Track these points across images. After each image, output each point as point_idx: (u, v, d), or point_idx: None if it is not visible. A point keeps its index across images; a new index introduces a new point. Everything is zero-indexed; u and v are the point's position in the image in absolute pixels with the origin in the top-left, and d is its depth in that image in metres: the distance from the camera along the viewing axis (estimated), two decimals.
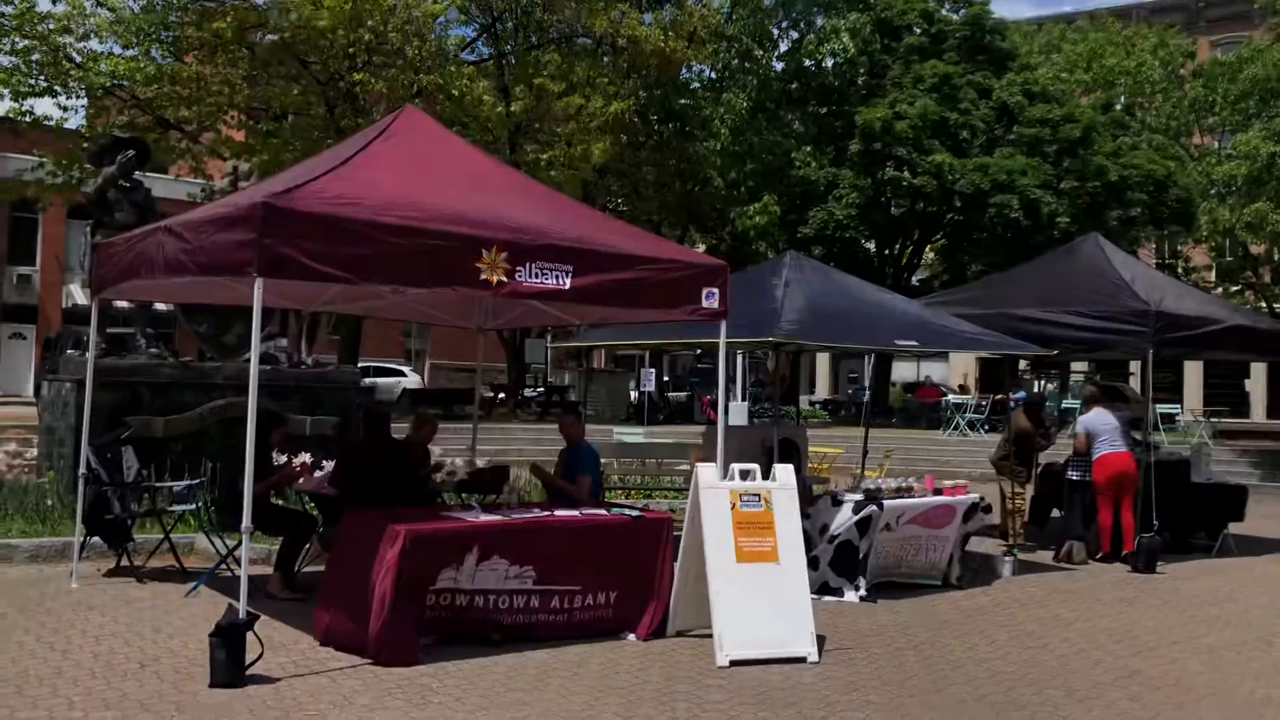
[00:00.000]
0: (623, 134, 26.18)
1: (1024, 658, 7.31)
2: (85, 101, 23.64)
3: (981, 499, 10.18)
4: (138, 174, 12.72)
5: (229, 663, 5.93)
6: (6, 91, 21.57)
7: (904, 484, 9.66)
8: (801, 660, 6.90)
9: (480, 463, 11.32)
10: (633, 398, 31.16)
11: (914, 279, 34.68)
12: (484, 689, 6.07)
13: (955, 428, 26.10)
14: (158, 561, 9.35)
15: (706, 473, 7.50)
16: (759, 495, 7.56)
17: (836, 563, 9.10)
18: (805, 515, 9.26)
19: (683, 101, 28.97)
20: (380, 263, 6.60)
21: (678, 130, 29.23)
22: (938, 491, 9.93)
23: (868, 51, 31.27)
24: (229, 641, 5.94)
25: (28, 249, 37.92)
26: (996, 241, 30.09)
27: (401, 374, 42.47)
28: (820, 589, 8.93)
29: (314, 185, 6.88)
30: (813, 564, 8.79)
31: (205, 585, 8.47)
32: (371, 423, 8.59)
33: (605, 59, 26.95)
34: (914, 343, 9.92)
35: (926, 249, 35.92)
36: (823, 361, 59.76)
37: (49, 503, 10.34)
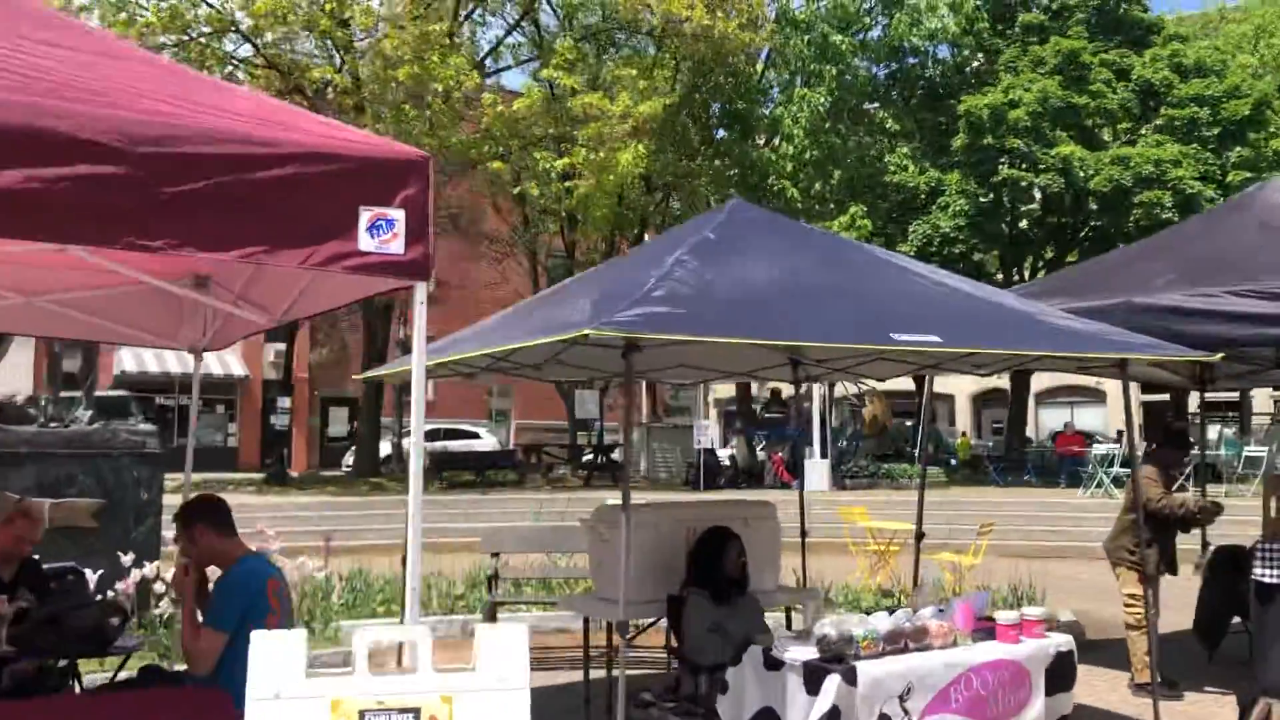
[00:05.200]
0: (668, 138, 21.69)
1: None
2: None
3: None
4: None
5: None
6: None
7: (912, 620, 4.76)
8: None
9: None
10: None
11: None
12: None
13: (1099, 485, 20.37)
14: None
15: (263, 661, 2.87)
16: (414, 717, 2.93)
17: None
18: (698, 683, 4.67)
19: (741, 105, 24.16)
20: None
21: (741, 135, 24.52)
22: (987, 632, 4.98)
23: (974, 32, 26.08)
24: None
25: None
26: None
27: (475, 435, 38.82)
28: None
29: None
30: None
31: None
32: None
33: (646, 52, 22.65)
34: (934, 339, 5.04)
35: (1063, 267, 30.11)
36: (964, 402, 53.28)
37: None
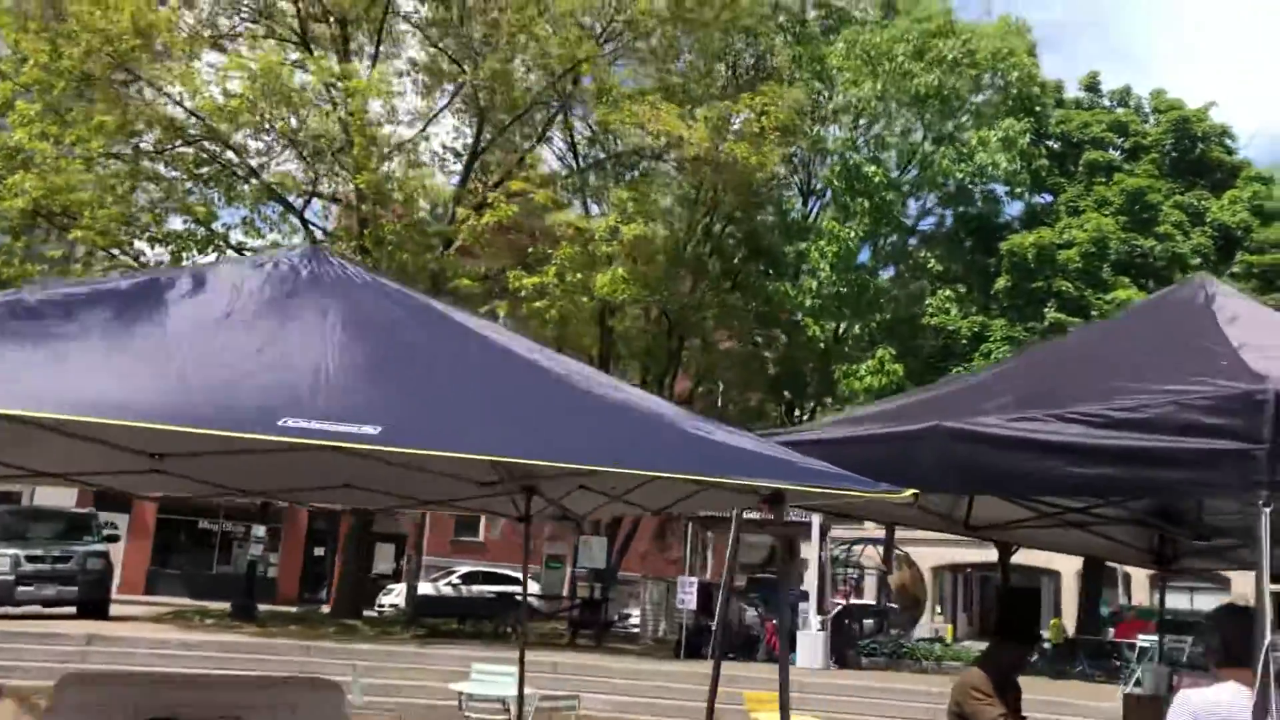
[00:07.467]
0: (674, 266, 20.09)
1: None
2: None
3: None
4: None
5: None
6: None
7: None
8: None
9: None
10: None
11: None
12: None
13: (1138, 683, 17.12)
14: None
15: None
16: None
17: None
18: None
19: (769, 237, 22.43)
20: None
21: (766, 269, 22.75)
22: None
23: (1031, 169, 23.99)
24: None
25: None
26: None
27: (514, 581, 36.86)
28: None
29: None
30: None
31: None
32: None
33: (663, 178, 21.33)
34: (363, 431, 3.09)
35: None
36: (1071, 580, 47.92)
37: None
